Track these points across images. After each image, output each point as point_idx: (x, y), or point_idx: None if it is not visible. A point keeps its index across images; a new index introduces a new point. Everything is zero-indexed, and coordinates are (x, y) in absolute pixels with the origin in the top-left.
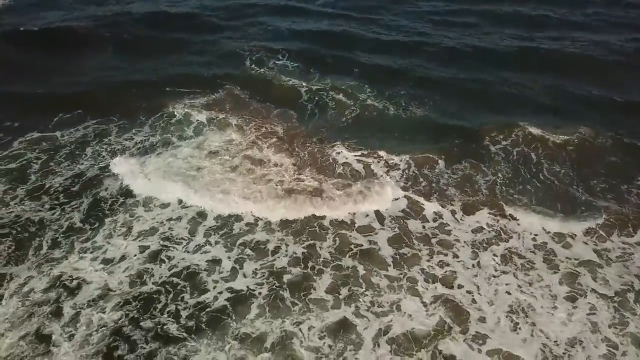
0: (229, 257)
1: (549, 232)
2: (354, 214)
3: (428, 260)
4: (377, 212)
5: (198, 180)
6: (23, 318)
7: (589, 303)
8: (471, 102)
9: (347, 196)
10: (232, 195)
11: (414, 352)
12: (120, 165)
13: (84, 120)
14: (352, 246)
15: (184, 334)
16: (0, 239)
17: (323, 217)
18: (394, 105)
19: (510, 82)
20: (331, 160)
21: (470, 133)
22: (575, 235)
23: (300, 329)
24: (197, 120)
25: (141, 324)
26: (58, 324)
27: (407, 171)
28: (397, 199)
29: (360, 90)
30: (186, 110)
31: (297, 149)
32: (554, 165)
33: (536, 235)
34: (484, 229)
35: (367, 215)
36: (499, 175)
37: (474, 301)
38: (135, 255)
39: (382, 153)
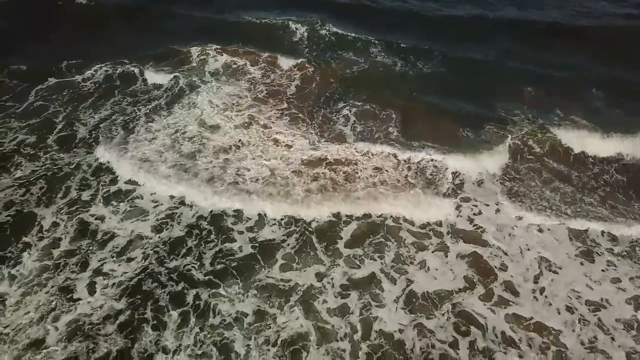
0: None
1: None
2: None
3: (456, 216)
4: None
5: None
6: (50, 270)
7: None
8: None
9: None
10: (244, 183)
11: (435, 313)
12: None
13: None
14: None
15: (211, 279)
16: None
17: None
18: (402, 61)
19: (524, 53)
20: (342, 125)
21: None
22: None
23: (323, 284)
24: (210, 70)
25: (166, 266)
26: (85, 273)
27: (423, 134)
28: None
29: (370, 44)
30: (199, 60)
31: (307, 113)
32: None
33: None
34: (502, 186)
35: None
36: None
37: (499, 260)
38: (161, 203)
39: (391, 113)
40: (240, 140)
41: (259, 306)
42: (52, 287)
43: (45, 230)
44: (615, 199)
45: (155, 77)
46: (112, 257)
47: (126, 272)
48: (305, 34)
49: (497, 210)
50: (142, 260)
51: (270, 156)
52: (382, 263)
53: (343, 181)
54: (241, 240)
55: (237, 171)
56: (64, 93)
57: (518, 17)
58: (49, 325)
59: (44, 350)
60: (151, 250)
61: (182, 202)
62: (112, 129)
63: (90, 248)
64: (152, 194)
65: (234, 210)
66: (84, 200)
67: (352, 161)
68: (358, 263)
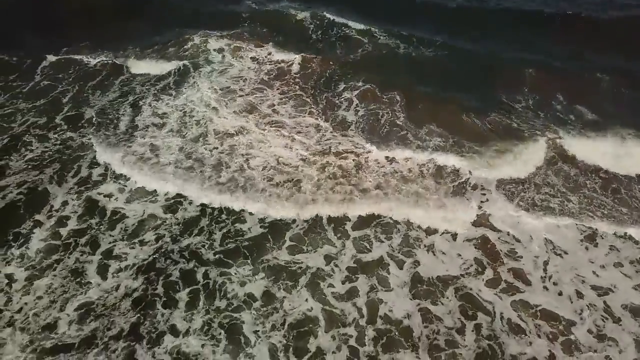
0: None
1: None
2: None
3: (462, 201)
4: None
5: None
6: (60, 251)
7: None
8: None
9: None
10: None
11: (442, 298)
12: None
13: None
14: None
15: (221, 258)
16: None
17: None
18: (404, 47)
19: (526, 42)
20: (345, 110)
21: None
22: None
23: (332, 267)
24: (213, 56)
25: (179, 245)
26: (94, 256)
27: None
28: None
29: (372, 26)
30: (201, 44)
31: (311, 99)
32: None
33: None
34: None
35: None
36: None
37: (506, 245)
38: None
39: (397, 96)
40: (243, 127)
41: (266, 287)
42: (62, 270)
43: (55, 210)
44: (620, 199)
45: (156, 64)
46: (123, 238)
47: (140, 251)
48: (308, 22)
49: (504, 201)
50: (154, 241)
51: (275, 144)
52: (389, 246)
53: (351, 177)
54: (251, 221)
55: (243, 161)
56: (70, 71)
57: (521, 7)
58: (62, 308)
59: (56, 335)
60: (165, 230)
61: None
62: (111, 124)
63: (101, 228)
64: None
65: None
66: (94, 180)
67: (360, 153)
68: (367, 245)
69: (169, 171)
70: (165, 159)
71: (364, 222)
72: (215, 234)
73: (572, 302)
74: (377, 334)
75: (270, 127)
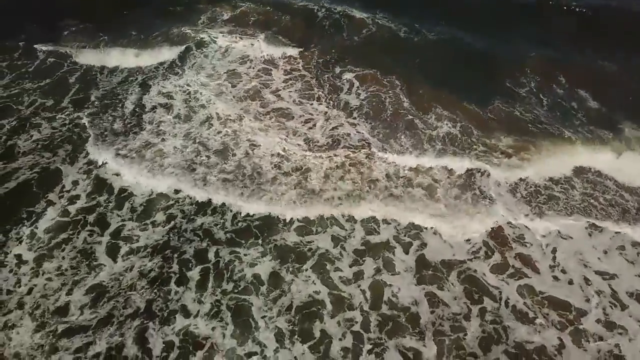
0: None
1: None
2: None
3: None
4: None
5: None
6: (70, 231)
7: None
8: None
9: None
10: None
11: (448, 282)
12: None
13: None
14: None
15: (232, 237)
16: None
17: None
18: (406, 33)
19: (532, 34)
20: (347, 95)
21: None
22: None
23: (340, 251)
24: (215, 39)
25: (191, 226)
26: (103, 237)
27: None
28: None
29: (374, 11)
30: (203, 31)
31: (315, 85)
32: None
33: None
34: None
35: None
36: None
37: (516, 230)
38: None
39: (397, 81)
40: (245, 115)
41: (274, 269)
42: (70, 251)
43: (66, 191)
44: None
45: (159, 49)
46: (133, 218)
47: (153, 233)
48: (309, 9)
49: (512, 194)
50: (167, 221)
51: (279, 132)
52: (396, 228)
53: (360, 169)
54: None
55: (249, 149)
56: (71, 59)
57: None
58: (70, 292)
59: (68, 317)
60: (177, 209)
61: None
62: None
63: (108, 207)
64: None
65: None
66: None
67: (367, 145)
68: (375, 227)
69: (171, 166)
70: (168, 150)
71: (374, 208)
72: (227, 213)
73: (582, 290)
74: (383, 319)
75: (274, 113)
